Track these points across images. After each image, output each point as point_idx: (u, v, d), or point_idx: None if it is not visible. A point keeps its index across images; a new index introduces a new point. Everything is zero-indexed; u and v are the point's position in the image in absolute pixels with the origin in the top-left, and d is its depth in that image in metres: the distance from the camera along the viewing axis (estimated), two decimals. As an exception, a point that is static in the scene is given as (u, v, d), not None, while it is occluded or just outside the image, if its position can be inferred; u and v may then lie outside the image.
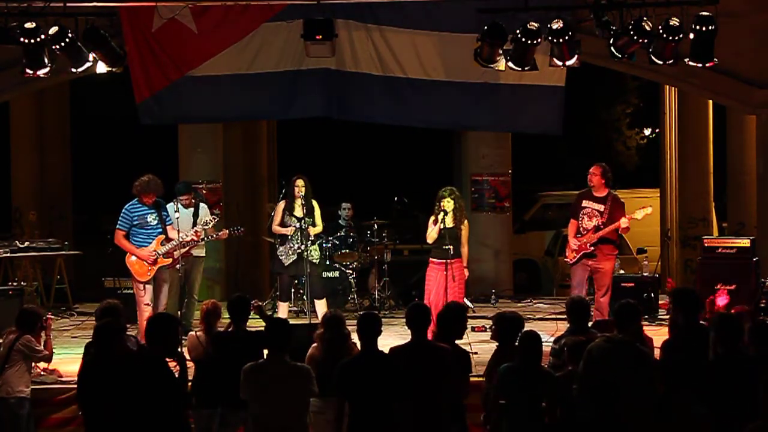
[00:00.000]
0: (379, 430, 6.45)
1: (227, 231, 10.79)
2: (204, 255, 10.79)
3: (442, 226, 10.24)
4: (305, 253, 10.82)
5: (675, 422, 6.14)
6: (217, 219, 10.98)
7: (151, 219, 10.15)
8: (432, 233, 10.31)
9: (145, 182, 10.12)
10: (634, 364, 6.60)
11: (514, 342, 7.01)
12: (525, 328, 7.17)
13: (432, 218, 10.37)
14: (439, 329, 7.21)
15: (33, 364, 8.51)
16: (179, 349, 6.88)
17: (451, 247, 10.17)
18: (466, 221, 10.55)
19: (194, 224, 10.66)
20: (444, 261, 10.20)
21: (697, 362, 6.71)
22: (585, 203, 10.72)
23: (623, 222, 10.48)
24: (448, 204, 10.29)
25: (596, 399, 6.35)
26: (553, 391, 6.67)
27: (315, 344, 7.41)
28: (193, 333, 8.00)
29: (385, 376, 6.48)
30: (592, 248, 10.54)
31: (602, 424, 6.35)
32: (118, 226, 10.13)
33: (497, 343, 7.36)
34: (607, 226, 10.50)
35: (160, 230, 10.15)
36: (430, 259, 10.47)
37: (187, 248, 10.40)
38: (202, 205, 11.25)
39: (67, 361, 9.46)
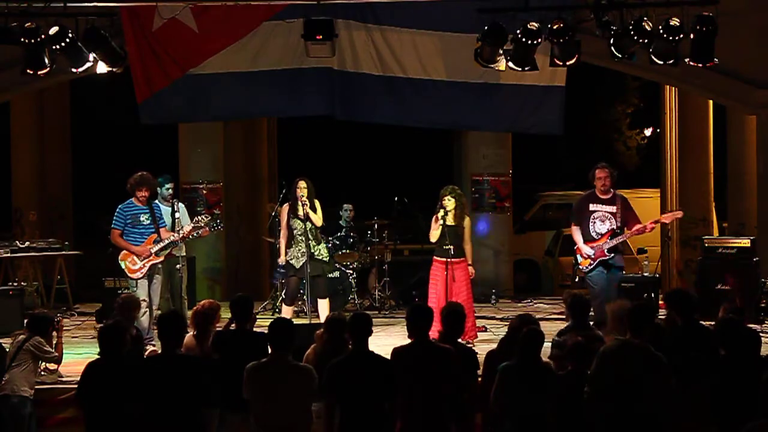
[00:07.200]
0: (369, 430, 6.45)
1: (207, 229, 10.75)
2: (184, 254, 10.76)
3: (442, 223, 10.26)
4: (315, 253, 10.77)
5: (686, 421, 6.17)
6: (208, 219, 10.89)
7: (144, 219, 10.23)
8: (434, 231, 10.35)
9: (137, 177, 10.20)
10: (646, 367, 6.58)
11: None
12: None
13: (434, 216, 10.40)
14: (443, 329, 7.20)
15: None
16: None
17: (452, 246, 10.21)
18: (467, 218, 10.56)
19: (173, 222, 10.67)
20: (445, 260, 10.25)
21: (699, 361, 6.78)
22: (593, 206, 10.22)
23: (649, 226, 10.19)
24: (449, 202, 10.33)
25: (611, 399, 6.37)
26: (554, 389, 6.67)
27: (313, 345, 7.39)
28: (189, 333, 8.00)
29: (375, 376, 6.46)
30: (612, 254, 10.13)
31: (617, 425, 6.36)
32: (113, 226, 10.21)
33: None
34: (624, 229, 10.15)
35: (153, 230, 10.22)
36: (434, 257, 10.50)
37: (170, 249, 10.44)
38: (181, 204, 11.20)
39: (67, 361, 9.44)
